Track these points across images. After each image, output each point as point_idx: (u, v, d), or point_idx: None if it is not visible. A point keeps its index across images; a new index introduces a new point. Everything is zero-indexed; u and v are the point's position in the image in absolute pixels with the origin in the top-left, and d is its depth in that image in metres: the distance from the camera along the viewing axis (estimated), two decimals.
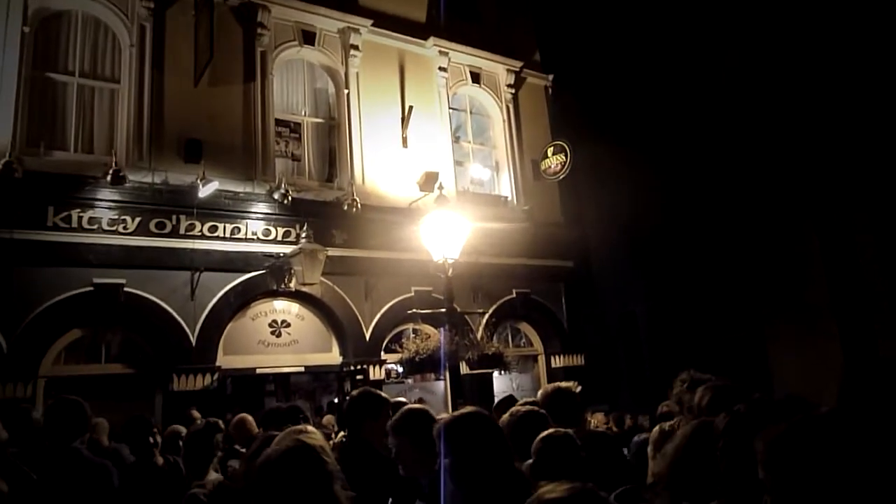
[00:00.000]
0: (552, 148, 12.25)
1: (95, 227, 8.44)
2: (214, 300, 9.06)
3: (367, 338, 10.08)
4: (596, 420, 8.93)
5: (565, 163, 11.98)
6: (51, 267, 8.10)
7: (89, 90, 9.10)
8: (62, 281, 8.13)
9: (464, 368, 9.60)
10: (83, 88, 9.04)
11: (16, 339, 7.75)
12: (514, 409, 3.41)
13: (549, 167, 12.19)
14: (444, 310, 8.15)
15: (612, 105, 15.60)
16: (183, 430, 5.19)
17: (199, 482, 3.63)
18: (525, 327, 12.18)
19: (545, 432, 2.84)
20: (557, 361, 11.98)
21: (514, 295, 11.62)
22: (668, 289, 14.95)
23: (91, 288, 8.30)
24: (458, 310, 9.20)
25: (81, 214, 8.37)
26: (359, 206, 9.94)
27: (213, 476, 3.79)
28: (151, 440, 4.63)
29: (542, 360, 12.11)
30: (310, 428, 2.30)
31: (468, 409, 2.48)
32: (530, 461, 2.73)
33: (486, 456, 2.29)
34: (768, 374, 12.32)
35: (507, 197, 12.30)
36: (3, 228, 7.78)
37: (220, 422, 5.11)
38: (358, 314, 10.09)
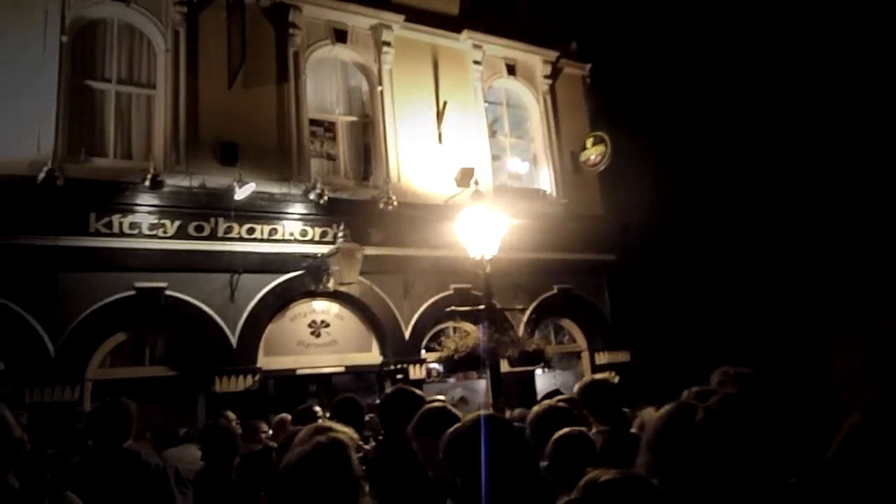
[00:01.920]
0: (591, 139, 12.11)
1: (136, 231, 8.67)
2: (254, 302, 9.22)
3: (407, 337, 10.12)
4: (646, 416, 8.77)
5: (605, 153, 11.83)
6: (94, 272, 8.36)
7: (126, 97, 9.34)
8: (105, 286, 8.39)
9: (505, 366, 9.52)
10: (120, 95, 9.28)
11: (63, 344, 8.01)
12: (539, 405, 3.33)
13: (589, 159, 12.04)
14: (483, 307, 8.13)
15: (653, 93, 15.31)
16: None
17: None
18: (567, 323, 12.06)
19: (559, 433, 2.76)
20: (602, 358, 11.82)
21: (556, 290, 11.52)
22: (719, 281, 14.59)
23: (133, 292, 8.53)
24: (498, 306, 9.16)
25: (122, 220, 8.62)
26: (395, 203, 9.97)
27: None
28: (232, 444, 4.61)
29: (585, 356, 11.98)
30: (334, 425, 2.28)
31: (471, 418, 2.29)
32: (546, 462, 2.64)
33: (497, 470, 2.11)
34: (828, 372, 11.88)
35: (545, 190, 12.19)
36: (47, 235, 8.04)
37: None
38: (397, 313, 10.14)
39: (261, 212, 9.35)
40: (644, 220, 14.84)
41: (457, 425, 2.30)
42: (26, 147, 8.16)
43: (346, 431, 2.22)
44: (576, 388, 3.93)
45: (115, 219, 8.59)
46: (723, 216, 14.22)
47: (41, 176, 7.95)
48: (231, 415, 7.06)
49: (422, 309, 10.32)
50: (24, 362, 7.73)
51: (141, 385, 8.30)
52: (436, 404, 3.05)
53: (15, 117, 8.17)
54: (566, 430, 2.82)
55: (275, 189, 9.54)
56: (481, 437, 2.17)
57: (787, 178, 13.20)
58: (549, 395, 5.09)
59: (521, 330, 10.56)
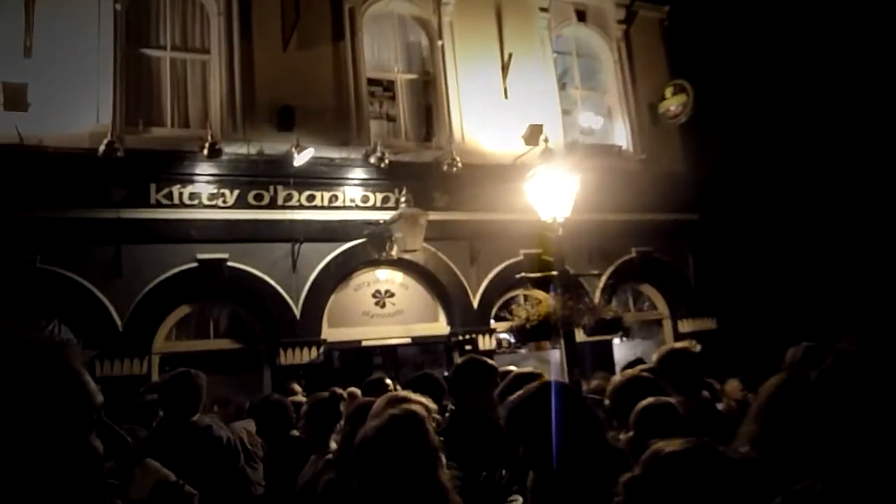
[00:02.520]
0: (671, 88, 11.71)
1: (196, 202, 8.96)
2: (316, 271, 9.40)
3: (475, 305, 10.15)
4: (730, 388, 8.53)
5: (686, 103, 11.44)
6: (156, 244, 8.70)
7: (181, 63, 9.57)
8: (168, 258, 8.72)
9: (580, 336, 9.42)
10: (175, 62, 9.52)
11: (130, 317, 8.40)
12: (619, 375, 3.31)
13: (669, 110, 11.67)
14: (555, 272, 8.04)
15: (739, 35, 14.60)
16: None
17: (323, 451, 3.66)
18: (647, 289, 11.85)
19: (644, 402, 2.76)
20: (685, 326, 11.56)
21: (634, 254, 11.31)
22: (813, 243, 13.96)
23: (195, 264, 8.84)
24: (572, 272, 9.03)
25: (182, 190, 8.90)
26: (459, 165, 9.92)
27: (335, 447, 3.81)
28: (286, 416, 4.76)
29: (667, 324, 11.74)
30: (409, 395, 2.31)
31: (533, 385, 2.33)
32: (630, 433, 2.65)
33: (560, 438, 2.14)
34: None
35: (621, 146, 11.91)
36: (109, 208, 8.41)
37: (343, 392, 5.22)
38: (464, 281, 10.17)
39: (320, 178, 9.49)
40: (730, 177, 14.28)
41: (519, 392, 2.34)
42: (86, 119, 8.48)
43: (420, 401, 2.25)
44: (654, 356, 3.88)
45: (175, 189, 8.88)
46: (817, 172, 13.54)
47: (102, 148, 8.24)
48: (297, 387, 7.30)
49: (490, 276, 10.30)
50: (93, 336, 8.09)
51: (206, 358, 8.63)
52: (526, 369, 3.12)
53: (74, 90, 8.49)
54: (651, 399, 2.81)
55: (334, 154, 9.64)
56: (543, 404, 2.21)
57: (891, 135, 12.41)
58: (631, 365, 5.02)
59: (596, 297, 10.44)
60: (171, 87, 9.42)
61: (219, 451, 3.75)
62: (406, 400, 2.22)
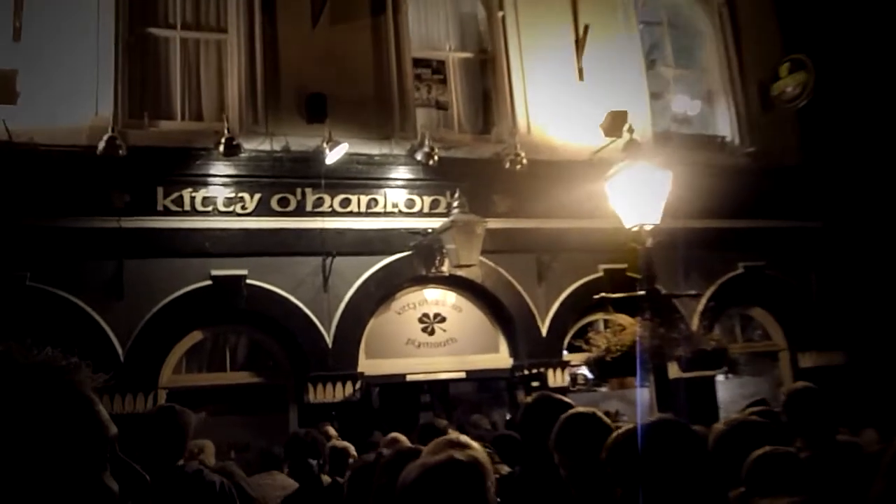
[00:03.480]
0: (787, 65, 11.48)
1: (210, 208, 9.08)
2: (352, 291, 9.42)
3: (544, 333, 10.05)
4: (866, 440, 8.26)
5: (806, 83, 11.18)
6: (164, 258, 8.85)
7: (193, 44, 9.78)
8: (177, 274, 8.85)
9: (674, 370, 9.23)
10: (187, 43, 9.73)
11: (132, 345, 8.54)
12: (730, 417, 3.43)
13: (784, 91, 11.44)
14: (643, 293, 7.90)
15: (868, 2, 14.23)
16: (351, 447, 5.70)
17: None
18: (759, 314, 11.58)
19: (759, 451, 2.81)
20: (807, 360, 11.21)
21: (742, 270, 11.07)
22: None
23: (209, 282, 8.95)
24: (663, 292, 8.86)
25: (194, 194, 9.04)
26: (524, 161, 9.81)
27: None
28: (315, 462, 4.98)
29: (784, 357, 11.44)
30: (469, 441, 2.28)
31: (643, 421, 2.44)
32: (740, 489, 2.72)
33: (670, 483, 2.19)
34: None
35: (724, 136, 11.74)
36: (110, 216, 8.58)
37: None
38: (530, 302, 10.07)
39: (357, 179, 9.52)
40: (862, 175, 13.86)
41: (625, 427, 2.45)
42: (83, 112, 8.67)
43: (482, 450, 2.22)
44: (782, 396, 3.92)
45: (186, 193, 9.02)
46: None
47: (101, 146, 8.37)
48: (331, 430, 7.31)
49: (562, 297, 10.18)
50: (92, 367, 8.24)
51: (221, 394, 8.73)
52: (580, 409, 3.16)
53: (69, 77, 8.69)
54: (767, 448, 2.86)
55: (373, 149, 9.67)
56: (652, 442, 2.28)
57: None
58: (753, 406, 4.97)
59: (695, 323, 10.24)
60: (182, 74, 9.60)
61: (212, 500, 3.77)
62: (467, 446, 2.19)
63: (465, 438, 2.33)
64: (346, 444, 6.02)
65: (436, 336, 9.91)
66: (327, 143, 9.10)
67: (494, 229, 9.52)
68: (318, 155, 9.22)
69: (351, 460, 5.29)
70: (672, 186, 7.96)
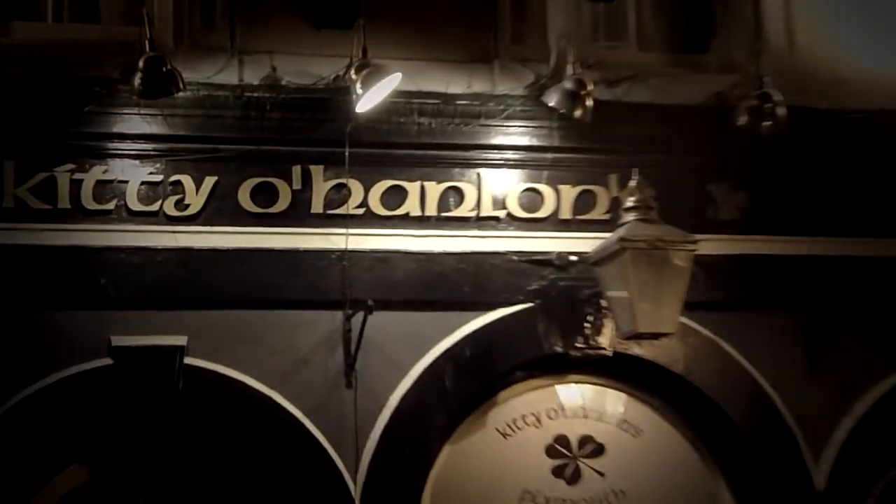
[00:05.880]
0: None
1: (111, 205, 5.56)
2: (404, 387, 5.79)
3: (822, 484, 6.13)
4: None
5: None
6: (14, 311, 5.45)
7: None
8: (40, 346, 5.54)
9: None
10: None
11: None
12: None
13: None
14: None
15: None
16: None
17: None
18: None
19: None
20: None
21: None
22: None
23: (107, 360, 5.56)
24: None
25: (79, 177, 5.48)
26: (783, 113, 6.04)
27: None
28: None
29: None
30: None
31: None
32: None
33: None
34: None
35: None
36: None
37: None
38: (787, 414, 6.13)
39: (417, 146, 5.97)
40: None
41: None
42: None
43: None
44: None
45: (63, 175, 5.42)
46: None
47: None
48: None
49: (864, 406, 6.25)
50: None
51: None
52: None
53: None
54: None
55: (455, 85, 6.06)
56: None
57: None
58: None
59: None
60: None
61: None
62: None
63: None
64: None
65: (583, 486, 6.15)
66: (356, 71, 5.57)
67: (712, 256, 6.08)
68: (338, 96, 5.68)
69: None
70: None
